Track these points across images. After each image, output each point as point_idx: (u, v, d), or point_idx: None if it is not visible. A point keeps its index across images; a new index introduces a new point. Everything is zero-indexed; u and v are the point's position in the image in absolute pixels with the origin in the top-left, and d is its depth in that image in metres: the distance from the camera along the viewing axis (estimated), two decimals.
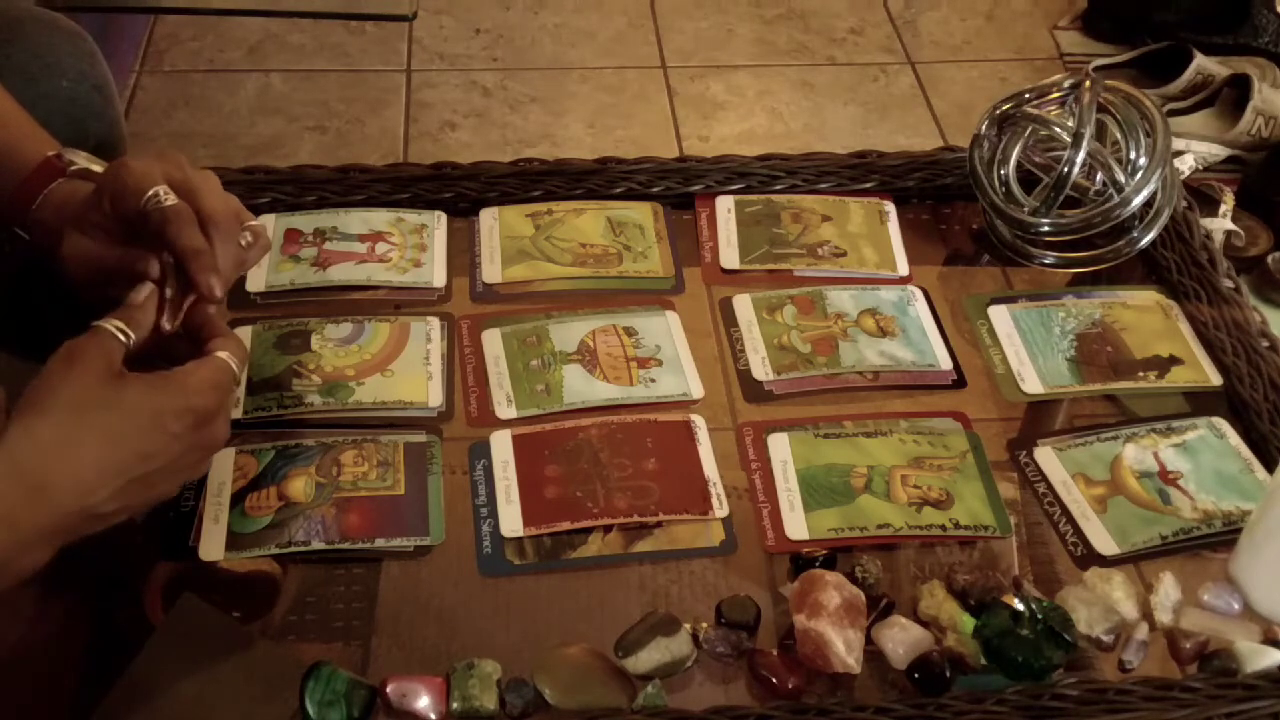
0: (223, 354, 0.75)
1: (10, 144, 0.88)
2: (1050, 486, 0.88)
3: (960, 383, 0.96)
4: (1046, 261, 1.05)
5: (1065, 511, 0.86)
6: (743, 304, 1.00)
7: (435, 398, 0.91)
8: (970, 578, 0.80)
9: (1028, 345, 0.98)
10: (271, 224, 1.03)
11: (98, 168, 0.87)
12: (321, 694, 0.71)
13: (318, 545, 0.81)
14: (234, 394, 0.79)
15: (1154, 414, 0.94)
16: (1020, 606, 0.77)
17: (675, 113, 2.08)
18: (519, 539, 0.83)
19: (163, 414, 0.70)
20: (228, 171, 1.05)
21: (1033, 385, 0.95)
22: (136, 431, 0.69)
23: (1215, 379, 0.96)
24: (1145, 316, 1.01)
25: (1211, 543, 0.85)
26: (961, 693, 0.74)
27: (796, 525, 0.84)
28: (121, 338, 0.72)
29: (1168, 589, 0.80)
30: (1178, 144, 1.59)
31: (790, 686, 0.75)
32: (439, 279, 1.01)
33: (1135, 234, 1.03)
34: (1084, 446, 0.91)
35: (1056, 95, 1.03)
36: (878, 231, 1.07)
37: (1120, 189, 1.00)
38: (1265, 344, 0.95)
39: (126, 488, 0.69)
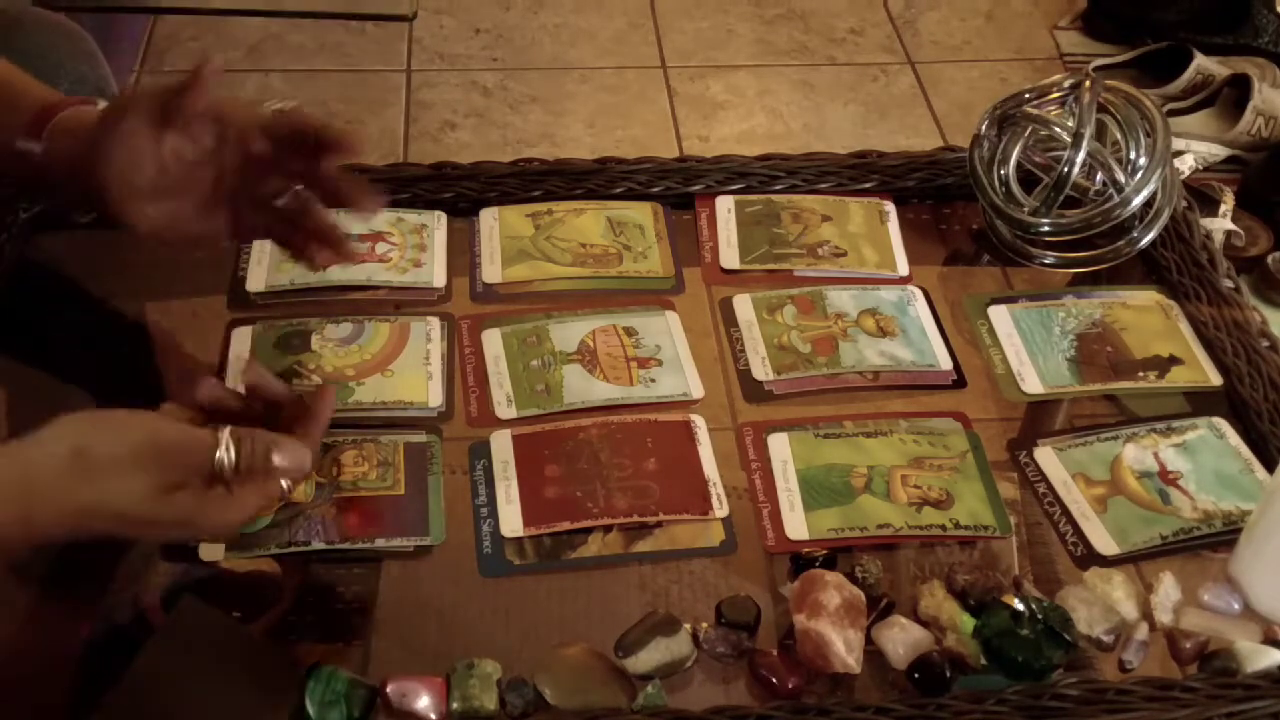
0: (285, 480, 0.72)
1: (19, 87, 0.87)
2: (1050, 486, 0.88)
3: (960, 383, 0.96)
4: (1046, 261, 1.05)
5: (1065, 511, 0.86)
6: (743, 304, 1.00)
7: (435, 398, 0.91)
8: (970, 578, 0.80)
9: (1028, 345, 0.98)
10: None
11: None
12: (321, 694, 0.71)
13: (318, 545, 0.81)
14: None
15: (1154, 414, 0.94)
16: (1020, 606, 0.77)
17: (675, 113, 2.08)
18: (519, 539, 0.83)
19: (184, 525, 0.71)
20: None
21: (1033, 385, 0.95)
22: (148, 525, 0.70)
23: (1215, 379, 0.96)
24: (1145, 316, 1.01)
25: (1211, 543, 0.85)
26: (961, 693, 0.74)
27: (796, 525, 0.84)
28: (223, 461, 0.69)
29: (1168, 589, 0.80)
30: (1178, 144, 1.59)
31: (790, 686, 0.75)
32: (439, 279, 1.01)
33: (1135, 234, 1.03)
34: (1084, 446, 0.91)
35: (1056, 95, 1.03)
36: (878, 231, 1.07)
37: (1120, 189, 1.00)
38: (1265, 344, 0.95)
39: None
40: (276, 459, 0.70)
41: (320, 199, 0.85)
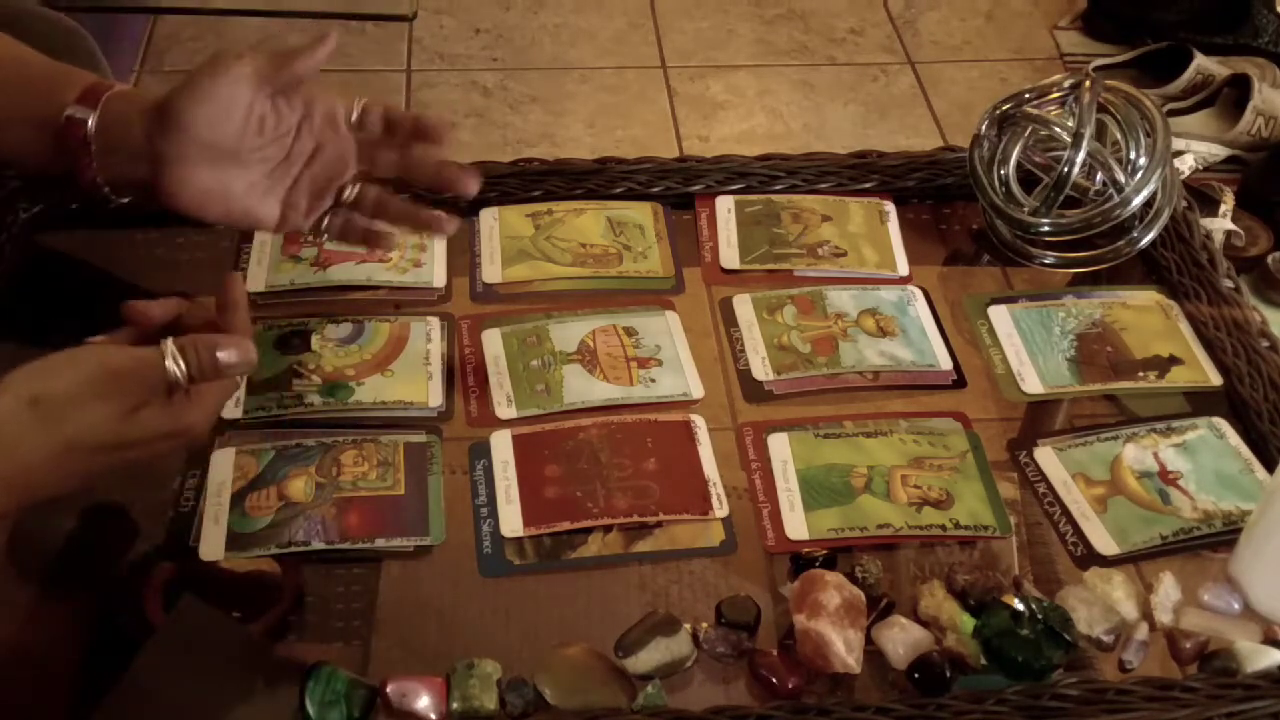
0: (237, 378, 0.76)
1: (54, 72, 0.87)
2: (1050, 486, 0.88)
3: (960, 383, 0.96)
4: (1046, 261, 1.05)
5: (1065, 511, 0.86)
6: (743, 304, 1.00)
7: (435, 398, 0.91)
8: (970, 578, 0.80)
9: (1028, 345, 0.98)
10: None
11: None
12: (321, 694, 0.71)
13: (318, 545, 0.81)
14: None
15: (1154, 414, 0.94)
16: (1020, 606, 0.77)
17: (675, 113, 2.08)
18: (519, 539, 0.83)
19: (161, 438, 0.73)
20: None
21: (1033, 385, 0.95)
22: (125, 449, 0.71)
23: (1215, 379, 0.96)
24: (1145, 316, 1.01)
25: (1211, 543, 0.85)
26: (961, 693, 0.74)
27: (796, 525, 0.84)
28: (175, 372, 0.72)
29: (1168, 589, 0.80)
30: (1178, 144, 1.59)
31: (790, 686, 0.75)
32: (439, 279, 1.01)
33: (1135, 234, 1.03)
34: (1084, 446, 0.91)
35: (1056, 95, 1.03)
36: (878, 231, 1.07)
37: (1120, 189, 1.00)
38: (1265, 344, 0.95)
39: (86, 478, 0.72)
40: (221, 356, 0.73)
41: (418, 185, 0.91)
